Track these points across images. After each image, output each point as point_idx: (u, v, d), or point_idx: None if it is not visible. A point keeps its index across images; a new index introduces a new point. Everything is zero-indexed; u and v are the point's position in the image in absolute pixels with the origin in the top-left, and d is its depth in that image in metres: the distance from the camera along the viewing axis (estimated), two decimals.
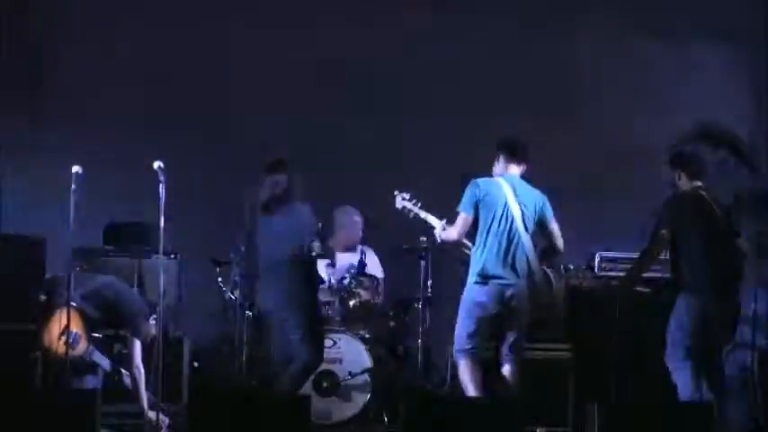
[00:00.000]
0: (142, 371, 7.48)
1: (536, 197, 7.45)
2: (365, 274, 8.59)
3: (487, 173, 7.63)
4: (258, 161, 8.13)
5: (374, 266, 8.81)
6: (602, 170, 9.27)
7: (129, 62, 9.19)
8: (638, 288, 8.02)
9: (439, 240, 7.53)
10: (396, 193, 7.75)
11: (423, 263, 8.35)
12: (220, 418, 6.27)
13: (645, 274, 8.06)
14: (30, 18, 9.21)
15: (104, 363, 7.45)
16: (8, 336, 7.93)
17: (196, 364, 8.47)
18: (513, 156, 7.45)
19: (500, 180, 7.42)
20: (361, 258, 8.74)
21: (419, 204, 7.65)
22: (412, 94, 9.25)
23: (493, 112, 9.21)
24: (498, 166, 7.47)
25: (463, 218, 7.32)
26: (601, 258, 8.60)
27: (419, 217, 7.67)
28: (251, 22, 9.32)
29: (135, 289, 7.91)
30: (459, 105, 9.24)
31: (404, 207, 7.69)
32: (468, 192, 7.33)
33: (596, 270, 8.62)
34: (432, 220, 7.58)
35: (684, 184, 7.46)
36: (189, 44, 9.21)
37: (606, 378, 8.05)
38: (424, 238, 8.21)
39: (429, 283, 8.39)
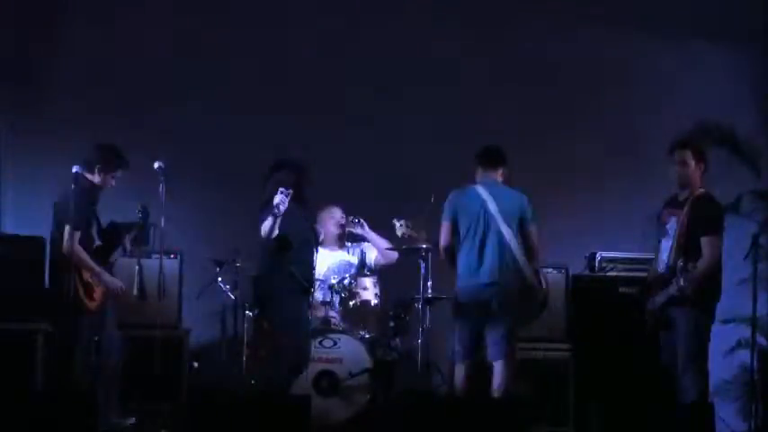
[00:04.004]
0: None
1: (516, 197, 7.58)
2: (365, 274, 8.60)
3: None
4: (258, 161, 8.13)
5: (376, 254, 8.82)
6: (602, 169, 9.26)
7: (130, 62, 9.18)
8: (624, 289, 8.04)
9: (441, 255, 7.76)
10: (394, 221, 8.04)
11: (423, 263, 8.35)
12: (220, 419, 6.27)
13: (630, 274, 8.11)
14: (30, 19, 9.20)
15: None
16: (8, 335, 7.94)
17: (196, 364, 8.47)
18: (488, 163, 7.64)
19: (476, 186, 7.60)
20: (362, 259, 8.77)
21: (416, 229, 7.94)
22: (411, 93, 9.25)
23: (493, 112, 9.22)
24: (477, 176, 7.68)
25: (443, 226, 7.58)
26: (601, 258, 8.60)
27: (419, 240, 8.00)
28: (251, 22, 9.32)
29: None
30: (459, 105, 9.24)
31: (403, 234, 8.02)
32: (446, 204, 7.59)
33: (596, 270, 8.63)
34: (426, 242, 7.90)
35: (698, 177, 7.32)
36: (189, 44, 9.21)
37: (606, 378, 8.07)
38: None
39: (429, 283, 8.38)
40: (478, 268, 7.46)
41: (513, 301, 7.46)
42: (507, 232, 7.44)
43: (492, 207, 7.48)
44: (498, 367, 7.49)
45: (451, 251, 7.58)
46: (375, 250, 8.71)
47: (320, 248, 8.48)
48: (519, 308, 7.50)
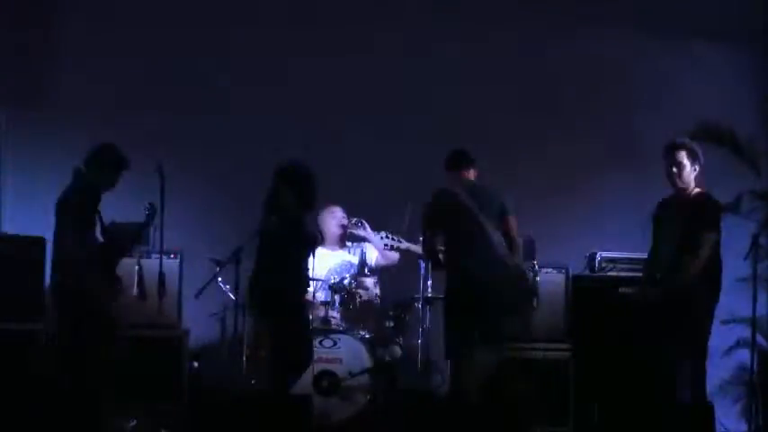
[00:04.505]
0: None
1: (492, 192, 7.62)
2: (365, 274, 8.60)
3: (485, 172, 7.81)
4: (258, 161, 8.13)
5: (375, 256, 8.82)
6: (602, 169, 9.27)
7: (130, 62, 9.18)
8: (624, 289, 8.07)
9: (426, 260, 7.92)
10: (375, 233, 8.22)
11: (423, 263, 8.36)
12: (220, 419, 6.27)
13: (630, 274, 8.13)
14: (30, 19, 9.20)
15: None
16: (8, 335, 7.95)
17: (196, 365, 8.47)
18: (459, 165, 7.68)
19: (453, 187, 7.63)
20: (362, 259, 8.76)
21: (397, 238, 8.06)
22: (412, 93, 9.25)
23: (492, 112, 9.22)
24: (450, 179, 7.69)
25: (425, 230, 7.59)
26: (601, 258, 8.60)
27: (401, 249, 8.13)
28: (251, 22, 9.31)
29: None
30: (459, 105, 9.24)
31: (385, 245, 8.16)
32: (425, 208, 7.59)
33: (596, 270, 8.63)
34: (413, 248, 8.03)
35: (693, 177, 7.38)
36: (189, 44, 9.20)
37: (606, 378, 8.07)
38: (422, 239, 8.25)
39: (429, 283, 8.39)
40: (465, 265, 7.50)
41: (501, 295, 7.51)
42: (489, 227, 7.50)
43: (471, 203, 7.53)
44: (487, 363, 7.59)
45: (435, 254, 7.63)
46: (376, 251, 8.71)
47: (321, 248, 8.51)
48: (507, 301, 7.55)
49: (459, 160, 7.71)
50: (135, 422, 7.69)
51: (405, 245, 8.15)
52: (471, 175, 7.72)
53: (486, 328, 7.55)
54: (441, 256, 7.58)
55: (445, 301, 7.56)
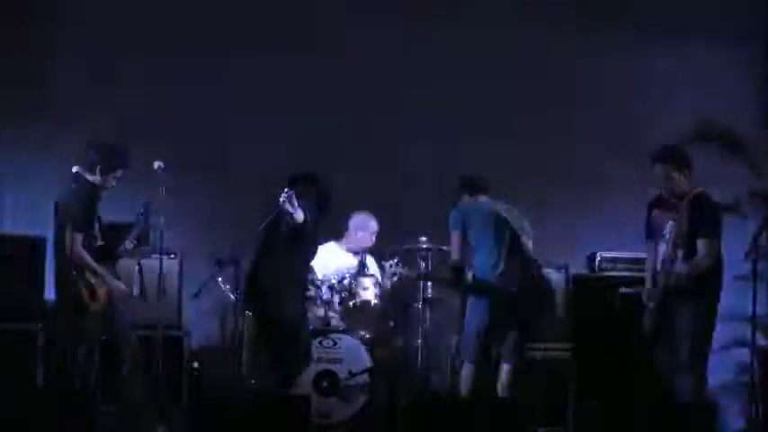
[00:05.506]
0: None
1: (513, 208, 7.78)
2: (365, 274, 8.59)
3: (485, 172, 7.94)
4: (257, 161, 8.12)
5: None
6: (602, 170, 9.26)
7: (130, 62, 9.17)
8: (624, 289, 8.09)
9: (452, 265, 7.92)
10: (383, 263, 8.38)
11: (423, 263, 8.36)
12: (220, 419, 6.27)
13: (630, 274, 8.14)
14: (30, 19, 9.20)
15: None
16: (8, 336, 7.95)
17: (196, 365, 8.47)
18: (480, 189, 7.86)
19: (474, 200, 7.81)
20: (362, 258, 8.75)
21: (406, 267, 8.28)
22: (412, 93, 9.24)
23: (492, 112, 9.21)
24: (466, 200, 7.85)
25: (455, 235, 7.73)
26: (601, 258, 8.61)
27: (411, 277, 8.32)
28: (251, 22, 9.31)
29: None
30: (459, 105, 9.23)
31: (393, 274, 8.33)
32: (452, 214, 7.76)
33: (596, 270, 8.63)
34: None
35: (686, 184, 7.34)
36: (189, 44, 9.20)
37: (606, 378, 8.08)
38: (424, 239, 8.26)
39: (429, 283, 8.39)
40: (494, 268, 7.62)
41: (525, 301, 7.56)
42: (519, 234, 7.58)
43: (500, 209, 7.69)
44: (506, 368, 7.65)
45: (461, 267, 7.68)
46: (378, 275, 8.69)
47: (337, 248, 8.61)
48: (529, 307, 7.60)
49: (479, 184, 7.85)
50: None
51: (408, 272, 8.30)
52: (486, 197, 7.84)
53: (501, 329, 7.59)
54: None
55: (467, 299, 7.64)
